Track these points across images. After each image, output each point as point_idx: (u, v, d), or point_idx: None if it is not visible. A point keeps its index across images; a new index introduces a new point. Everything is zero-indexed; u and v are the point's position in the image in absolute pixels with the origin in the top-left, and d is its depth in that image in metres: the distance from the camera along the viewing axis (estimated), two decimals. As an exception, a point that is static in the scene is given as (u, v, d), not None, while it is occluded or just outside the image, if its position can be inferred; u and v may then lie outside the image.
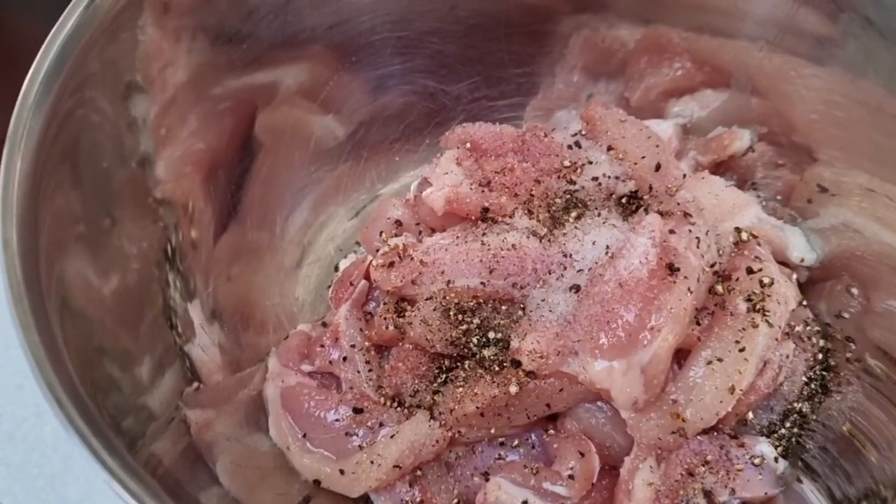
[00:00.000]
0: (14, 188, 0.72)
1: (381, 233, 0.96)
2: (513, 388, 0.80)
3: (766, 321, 0.80)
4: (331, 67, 1.04)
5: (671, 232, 0.82)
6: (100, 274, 0.81)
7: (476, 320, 0.85)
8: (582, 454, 0.80)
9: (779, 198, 0.99)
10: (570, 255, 0.84)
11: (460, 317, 0.85)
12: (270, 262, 1.08)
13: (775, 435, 0.85)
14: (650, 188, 0.92)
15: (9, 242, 0.70)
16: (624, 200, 0.92)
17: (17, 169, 0.72)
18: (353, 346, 0.92)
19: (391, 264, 0.90)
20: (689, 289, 0.79)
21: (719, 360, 0.79)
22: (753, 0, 0.93)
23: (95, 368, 0.76)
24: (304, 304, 1.10)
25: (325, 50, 1.02)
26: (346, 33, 1.02)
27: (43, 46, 0.75)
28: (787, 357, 0.83)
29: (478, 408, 0.82)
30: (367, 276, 0.96)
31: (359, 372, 0.91)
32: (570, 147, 0.95)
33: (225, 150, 1.00)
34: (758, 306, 0.81)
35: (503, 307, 0.86)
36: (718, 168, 1.03)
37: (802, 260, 0.92)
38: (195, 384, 0.91)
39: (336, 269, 1.09)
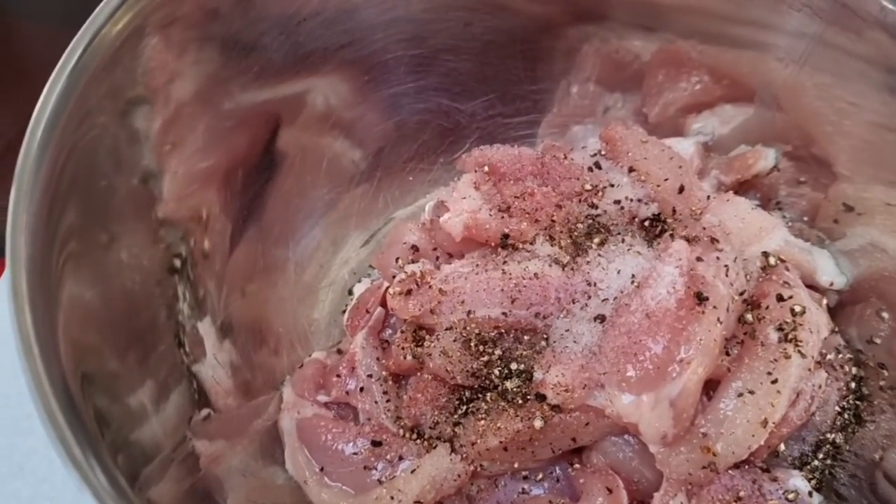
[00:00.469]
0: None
1: (397, 259, 0.94)
2: (537, 423, 0.78)
3: (799, 351, 0.77)
4: (343, 87, 1.02)
5: (698, 259, 0.80)
6: (99, 294, 0.78)
7: (498, 351, 0.83)
8: (609, 490, 0.78)
9: (805, 219, 0.97)
10: (595, 283, 0.82)
11: (481, 347, 0.83)
12: (286, 281, 1.06)
13: (808, 467, 0.83)
14: (674, 211, 0.90)
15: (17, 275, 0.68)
16: (647, 224, 0.90)
17: (22, 223, 0.69)
18: (370, 375, 0.90)
19: (409, 292, 0.87)
20: (718, 319, 0.77)
21: (751, 392, 0.76)
22: (782, 14, 0.90)
23: (98, 394, 0.73)
24: (317, 327, 1.08)
25: (338, 69, 1.00)
26: (358, 52, 1.00)
27: (49, 81, 0.72)
28: (820, 387, 0.80)
29: (501, 442, 0.80)
30: (383, 303, 0.93)
31: (376, 402, 0.89)
32: (590, 169, 0.93)
33: (243, 160, 0.98)
34: (790, 336, 0.78)
35: (526, 337, 0.83)
36: (742, 188, 1.00)
37: (832, 284, 0.90)
38: (205, 411, 0.89)
39: (350, 292, 1.07)
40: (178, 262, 0.90)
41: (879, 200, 0.91)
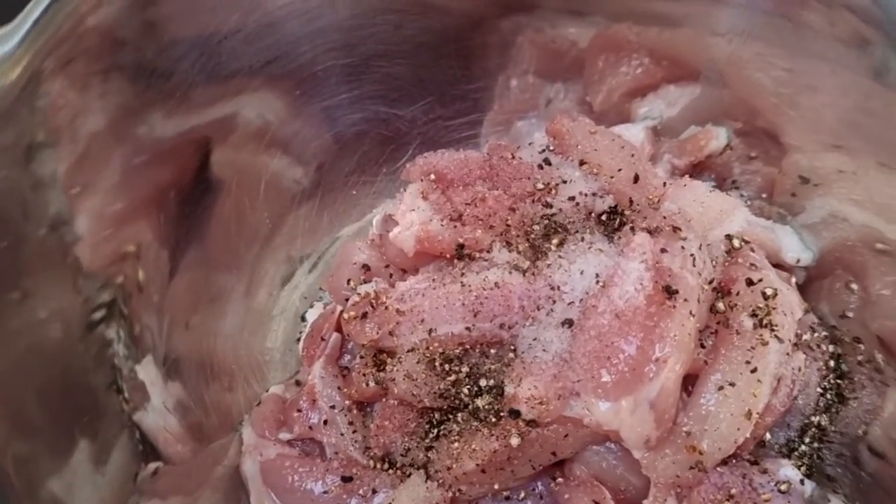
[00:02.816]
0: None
1: (348, 280, 0.89)
2: (514, 441, 0.74)
3: (776, 336, 0.75)
4: (275, 104, 0.96)
5: (663, 251, 0.76)
6: (21, 352, 0.73)
7: (465, 368, 0.78)
8: (597, 502, 0.74)
9: (764, 195, 0.94)
10: (558, 287, 0.78)
11: (447, 366, 0.78)
12: (234, 311, 1.01)
13: (795, 453, 0.80)
14: (630, 202, 0.86)
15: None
16: (604, 217, 0.86)
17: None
18: (332, 406, 0.85)
19: (364, 315, 0.82)
20: (690, 311, 0.73)
21: (731, 384, 0.73)
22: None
23: (27, 464, 0.68)
24: (272, 357, 1.02)
25: (266, 86, 0.95)
26: (286, 67, 0.95)
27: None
28: (800, 369, 0.78)
29: (478, 464, 0.75)
30: (338, 329, 0.88)
31: (342, 434, 0.84)
32: (540, 166, 0.89)
33: (176, 186, 0.92)
34: (764, 321, 0.75)
35: (492, 351, 0.79)
36: (695, 169, 0.98)
37: (799, 261, 0.87)
38: (152, 465, 0.83)
39: (303, 319, 1.01)
40: (101, 312, 0.84)
41: (831, 168, 0.89)
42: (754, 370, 0.73)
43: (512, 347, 0.78)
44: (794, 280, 0.86)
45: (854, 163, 0.86)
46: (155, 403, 0.87)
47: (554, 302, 0.78)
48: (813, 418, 0.80)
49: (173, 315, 0.92)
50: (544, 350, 0.76)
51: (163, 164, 0.90)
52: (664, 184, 0.88)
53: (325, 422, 0.84)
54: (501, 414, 0.76)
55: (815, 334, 0.83)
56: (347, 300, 0.86)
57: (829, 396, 0.81)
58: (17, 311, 0.73)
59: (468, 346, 0.79)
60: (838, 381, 0.82)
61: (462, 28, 1.00)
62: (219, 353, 0.98)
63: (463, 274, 0.80)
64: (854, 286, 0.86)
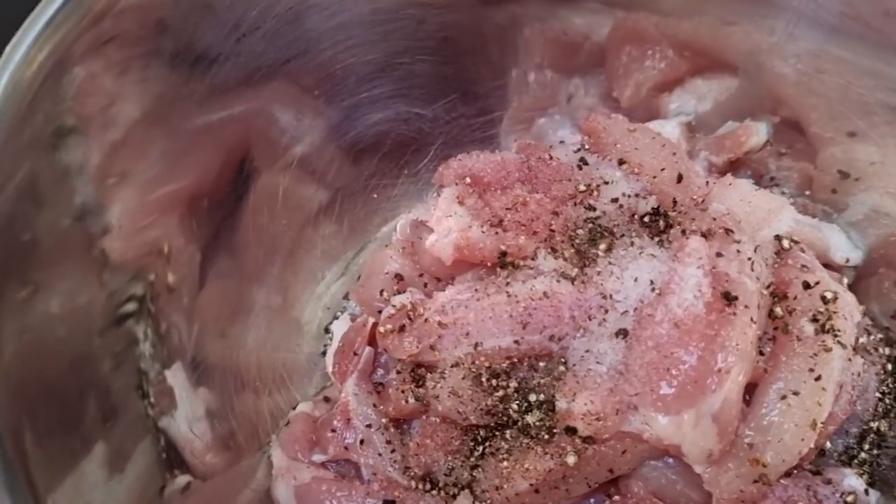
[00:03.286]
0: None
1: (381, 291, 0.84)
2: (570, 459, 0.70)
3: (839, 342, 0.72)
4: (293, 105, 0.92)
5: (718, 255, 0.73)
6: (30, 345, 0.69)
7: (513, 383, 0.75)
8: (657, 520, 0.71)
9: (807, 193, 0.92)
10: (610, 295, 0.74)
11: (494, 381, 0.75)
12: (259, 323, 0.97)
13: (855, 461, 0.77)
14: (674, 202, 0.83)
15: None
16: (647, 219, 0.83)
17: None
18: (368, 425, 0.81)
19: (402, 328, 0.78)
20: (752, 318, 0.70)
21: (794, 392, 0.70)
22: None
23: (41, 462, 0.64)
24: (295, 370, 0.98)
25: (285, 86, 0.90)
26: (305, 66, 0.90)
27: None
28: (858, 374, 0.75)
29: (532, 484, 0.72)
30: (371, 342, 0.84)
31: (380, 454, 0.80)
32: (578, 167, 0.85)
33: (208, 187, 0.88)
34: (826, 326, 0.73)
35: (542, 364, 0.75)
36: (731, 166, 0.95)
37: (848, 260, 0.85)
38: (183, 479, 0.79)
39: (327, 331, 0.97)
40: (128, 307, 0.80)
41: (865, 161, 0.87)
42: (818, 378, 0.71)
43: (563, 360, 0.75)
44: (845, 281, 0.84)
45: (881, 153, 0.85)
46: (183, 410, 0.84)
47: (606, 311, 0.74)
48: (872, 424, 0.78)
49: (204, 322, 0.89)
50: (598, 362, 0.73)
51: (200, 157, 0.86)
52: (707, 183, 0.85)
53: (362, 441, 0.80)
54: (554, 430, 0.72)
55: (871, 337, 0.80)
56: (380, 312, 0.82)
57: (887, 401, 0.79)
58: (28, 306, 0.69)
59: (516, 360, 0.75)
60: (896, 385, 0.80)
61: (487, 21, 0.97)
62: (244, 365, 0.94)
63: (508, 283, 0.76)
64: (903, 284, 0.84)
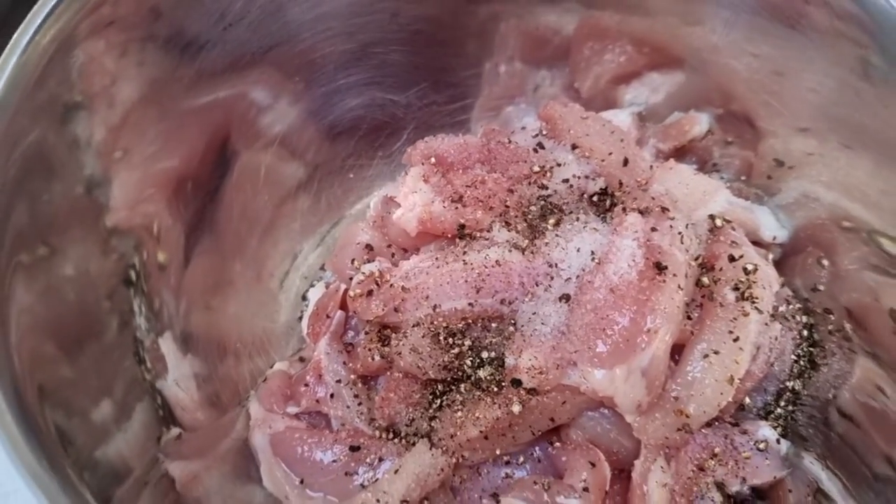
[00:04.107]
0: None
1: (352, 260, 0.92)
2: (516, 408, 0.79)
3: (756, 308, 0.81)
4: (273, 92, 0.99)
5: (653, 230, 0.82)
6: (45, 305, 0.75)
7: (467, 342, 0.83)
8: (592, 464, 0.80)
9: (743, 178, 1.00)
10: (556, 264, 0.83)
11: (450, 340, 0.83)
12: (240, 293, 1.04)
13: (772, 416, 0.86)
14: (620, 183, 0.91)
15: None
16: (595, 199, 0.92)
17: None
18: (338, 381, 0.89)
19: (370, 293, 0.86)
20: (679, 286, 0.79)
21: (715, 352, 0.79)
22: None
23: (56, 408, 0.71)
24: (274, 335, 1.05)
25: (268, 72, 0.97)
26: (286, 54, 0.97)
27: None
28: (776, 339, 0.84)
29: (481, 431, 0.80)
30: (343, 307, 0.92)
31: (348, 407, 0.88)
32: (535, 150, 0.93)
33: (193, 169, 0.94)
34: (746, 294, 0.81)
35: (494, 325, 0.84)
36: (678, 153, 1.03)
37: (775, 238, 0.93)
38: (175, 430, 0.86)
39: (304, 298, 1.05)
40: (132, 274, 0.87)
41: (801, 151, 0.94)
42: (737, 339, 0.79)
43: (512, 322, 0.83)
44: (770, 256, 0.93)
45: (821, 146, 0.91)
46: (173, 374, 0.90)
47: (552, 278, 0.82)
48: (787, 383, 0.87)
49: (191, 296, 0.95)
50: (543, 324, 0.81)
51: (189, 137, 0.93)
52: (651, 167, 0.94)
53: (332, 395, 0.88)
54: (503, 384, 0.81)
55: (790, 306, 0.89)
56: (352, 279, 0.90)
57: (802, 363, 0.88)
58: (45, 267, 0.75)
59: (470, 321, 0.83)
60: (811, 349, 0.88)
61: (456, 15, 1.03)
62: (228, 332, 1.01)
63: (465, 253, 0.84)
64: (825, 262, 0.92)
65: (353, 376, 0.89)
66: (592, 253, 0.82)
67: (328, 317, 0.92)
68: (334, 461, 0.85)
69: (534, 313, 0.82)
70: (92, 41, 0.77)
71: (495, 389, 0.81)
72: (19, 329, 0.70)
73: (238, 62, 0.93)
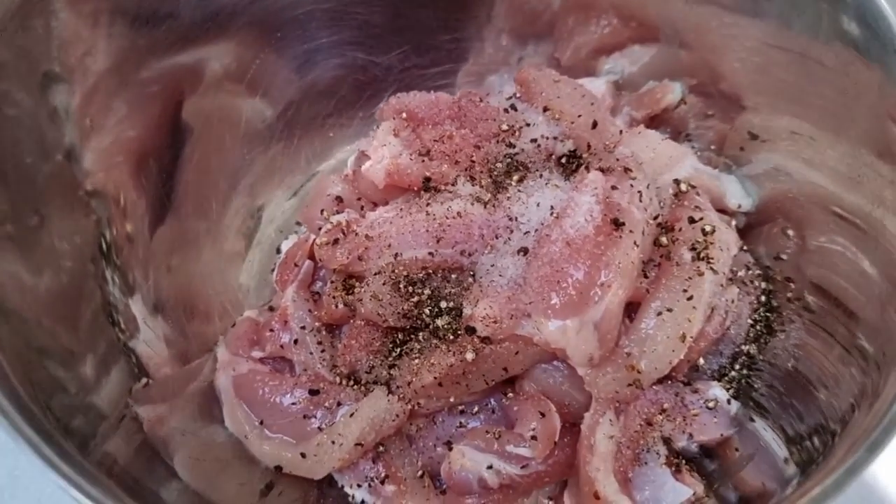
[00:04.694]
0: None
1: (322, 211, 0.94)
2: (469, 355, 0.80)
3: (711, 268, 0.82)
4: (255, 46, 1.01)
5: (613, 188, 0.83)
6: (33, 273, 0.78)
7: (427, 291, 0.85)
8: (542, 414, 0.81)
9: (713, 147, 1.01)
10: (516, 218, 0.84)
11: (410, 289, 0.84)
12: (210, 250, 1.05)
13: (726, 378, 0.87)
14: (588, 146, 0.92)
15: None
16: (564, 160, 0.93)
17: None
18: (303, 327, 0.91)
19: (335, 241, 0.88)
20: (634, 242, 0.80)
21: (669, 310, 0.80)
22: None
23: (37, 370, 0.73)
24: (248, 289, 1.07)
25: (249, 27, 0.99)
26: (268, 8, 0.99)
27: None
28: (733, 301, 0.85)
29: (435, 378, 0.81)
30: (311, 256, 0.94)
31: (311, 353, 0.90)
32: (506, 111, 0.95)
33: (153, 137, 0.96)
34: (702, 254, 0.82)
35: (453, 276, 0.85)
36: (652, 122, 1.04)
37: (739, 206, 0.94)
38: (144, 380, 0.88)
39: (278, 251, 1.07)
40: (104, 243, 0.89)
41: (785, 129, 0.94)
42: (690, 298, 0.80)
43: (471, 273, 0.84)
44: (734, 223, 0.93)
45: (811, 128, 0.90)
46: (144, 335, 0.92)
47: (511, 231, 0.84)
48: (743, 347, 0.88)
49: (157, 262, 0.97)
50: (500, 275, 0.82)
51: (152, 103, 0.94)
52: (620, 132, 0.95)
53: (296, 341, 0.90)
54: (459, 332, 0.82)
55: (750, 272, 0.90)
56: (321, 229, 0.92)
57: (758, 328, 0.88)
58: (37, 236, 0.78)
59: (431, 271, 0.85)
60: (768, 314, 0.89)
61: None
62: (197, 289, 1.03)
63: (428, 204, 0.86)
64: (790, 232, 0.92)
65: (317, 324, 0.91)
66: (552, 208, 0.83)
67: (296, 265, 0.94)
68: (293, 404, 0.87)
69: (492, 265, 0.83)
70: (67, 8, 0.79)
71: (451, 338, 0.82)
72: (8, 298, 0.74)
73: (218, 15, 0.94)
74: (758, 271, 0.91)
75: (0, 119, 0.76)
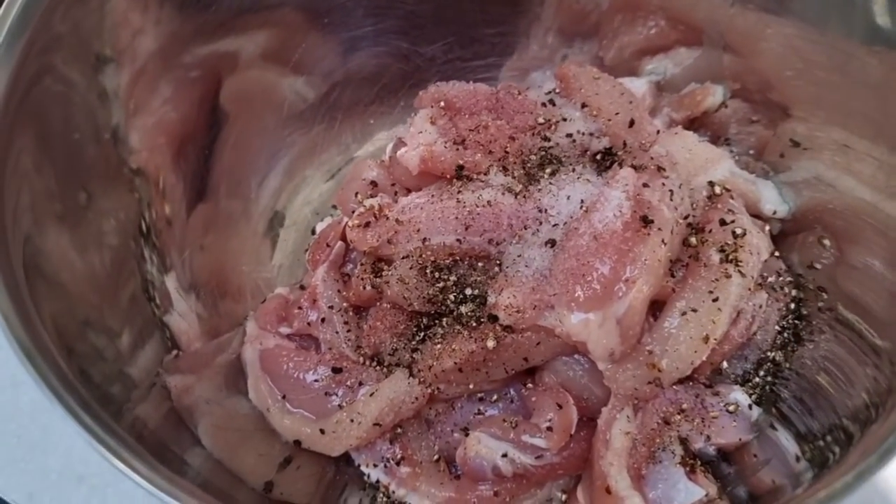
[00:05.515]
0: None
1: (356, 194, 0.96)
2: (490, 343, 0.81)
3: (739, 271, 0.81)
4: (302, 30, 1.03)
5: (645, 185, 0.83)
6: (80, 250, 0.81)
7: (453, 277, 0.85)
8: (560, 406, 0.81)
9: (752, 152, 1.00)
10: (546, 210, 0.84)
11: (437, 274, 0.85)
12: (245, 229, 1.08)
13: (749, 384, 0.86)
14: (624, 144, 0.92)
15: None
16: (598, 157, 0.93)
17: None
18: (331, 307, 0.92)
19: (367, 224, 0.89)
20: (662, 240, 0.79)
21: (693, 310, 0.80)
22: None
23: (78, 340, 0.76)
24: (281, 268, 1.10)
25: (296, 12, 1.01)
26: (317, -8, 1.01)
27: (3, 5, 0.73)
28: (760, 307, 0.84)
29: (456, 363, 0.82)
30: (343, 238, 0.96)
31: (337, 332, 0.91)
32: (544, 105, 0.95)
33: (194, 120, 0.99)
34: (731, 257, 0.82)
35: (479, 264, 0.86)
36: (692, 124, 1.03)
37: (775, 212, 0.93)
38: (175, 352, 0.91)
39: (313, 232, 1.09)
40: (144, 224, 0.92)
41: (832, 140, 0.92)
42: (716, 299, 0.80)
43: (498, 262, 0.85)
44: (767, 228, 0.92)
45: (865, 143, 0.88)
46: (178, 309, 0.95)
47: (540, 223, 0.84)
48: (769, 353, 0.86)
49: (191, 242, 1.00)
50: (526, 266, 0.83)
51: (194, 86, 0.97)
52: (657, 131, 0.94)
53: (323, 320, 0.92)
54: (482, 320, 0.83)
55: (781, 278, 0.89)
56: (354, 212, 0.94)
57: (786, 335, 0.87)
58: (84, 213, 0.82)
59: (458, 258, 0.86)
60: (797, 321, 0.88)
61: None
62: (231, 267, 1.05)
63: (460, 192, 0.87)
64: (826, 242, 0.91)
65: (345, 304, 0.93)
66: (582, 201, 0.84)
67: (328, 246, 0.95)
68: (316, 381, 0.89)
69: (519, 255, 0.84)
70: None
71: (474, 325, 0.83)
72: (55, 272, 0.77)
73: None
74: (789, 279, 0.90)
75: (50, 96, 0.79)
